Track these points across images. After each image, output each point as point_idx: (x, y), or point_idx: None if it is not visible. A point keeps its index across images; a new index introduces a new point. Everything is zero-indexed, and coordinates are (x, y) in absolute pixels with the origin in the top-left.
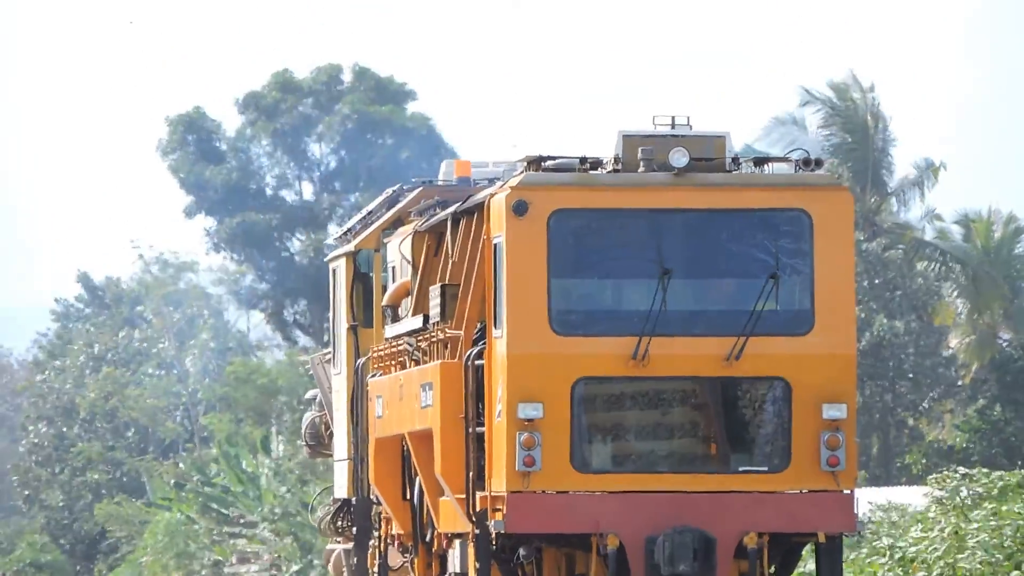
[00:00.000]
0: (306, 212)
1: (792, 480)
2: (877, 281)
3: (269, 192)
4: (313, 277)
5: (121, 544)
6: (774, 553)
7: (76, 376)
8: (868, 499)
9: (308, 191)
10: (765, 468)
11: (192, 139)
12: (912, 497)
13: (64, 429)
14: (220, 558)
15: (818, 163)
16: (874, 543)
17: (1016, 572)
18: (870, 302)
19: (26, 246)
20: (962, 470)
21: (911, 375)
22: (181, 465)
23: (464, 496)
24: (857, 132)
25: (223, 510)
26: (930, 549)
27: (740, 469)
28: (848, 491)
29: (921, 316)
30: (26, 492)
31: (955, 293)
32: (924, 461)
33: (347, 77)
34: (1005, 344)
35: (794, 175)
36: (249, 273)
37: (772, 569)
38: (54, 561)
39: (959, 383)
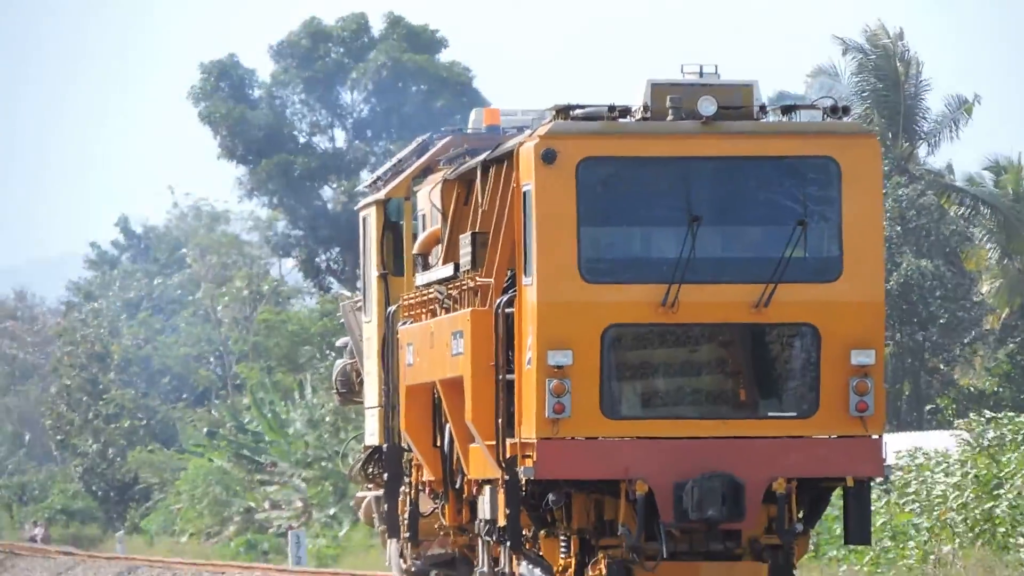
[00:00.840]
0: (338, 159)
1: (820, 426)
2: (911, 226)
3: (302, 139)
4: (345, 224)
5: (154, 491)
6: (802, 498)
7: (111, 321)
8: (899, 444)
9: (341, 138)
10: (794, 414)
11: (225, 86)
12: (943, 441)
13: (98, 375)
14: (252, 504)
15: (846, 110)
16: (904, 488)
17: None
18: (902, 246)
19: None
20: (988, 414)
21: (942, 320)
22: (214, 413)
23: (494, 443)
24: (889, 79)
25: (255, 457)
26: (955, 495)
27: (769, 415)
28: (876, 436)
29: (952, 262)
30: (59, 438)
31: (985, 238)
32: (955, 406)
33: (377, 25)
34: None
35: (822, 123)
36: (281, 219)
37: (801, 514)
38: (86, 508)
39: (989, 328)
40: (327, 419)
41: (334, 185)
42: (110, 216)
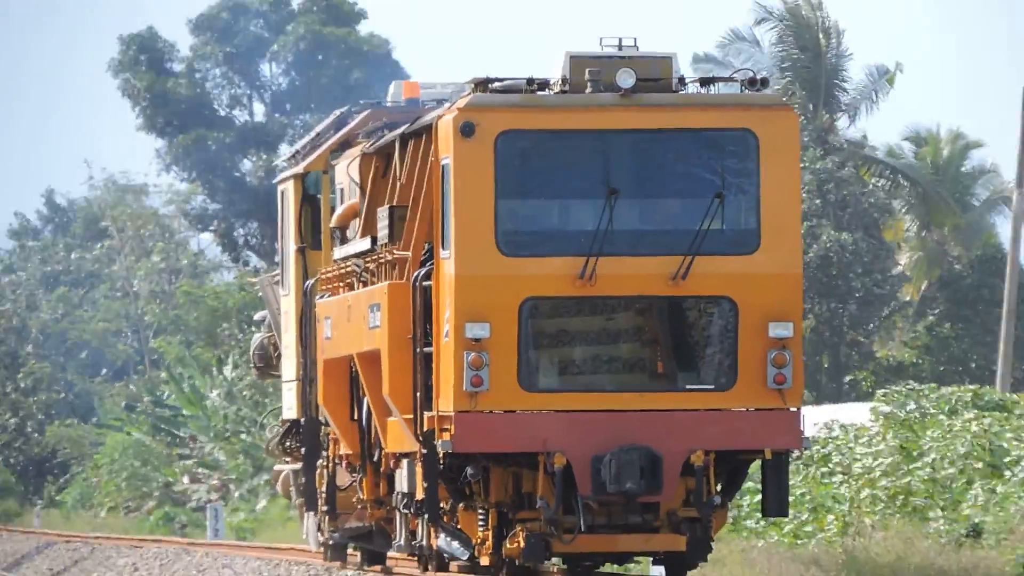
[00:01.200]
0: (258, 132)
1: (738, 398)
2: (830, 198)
3: (221, 112)
4: (264, 198)
5: (72, 465)
6: (721, 470)
7: (29, 295)
8: (818, 417)
9: (260, 112)
10: (712, 386)
11: (145, 59)
12: (861, 414)
13: (16, 348)
14: (170, 479)
15: (764, 83)
16: (824, 461)
17: (968, 485)
18: (821, 219)
19: None
20: (911, 386)
21: (859, 293)
22: (132, 387)
23: (412, 416)
24: (809, 49)
25: (174, 431)
26: (876, 464)
27: (687, 387)
28: (794, 409)
29: (872, 234)
30: None
31: (905, 210)
32: (873, 378)
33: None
34: (954, 261)
35: (740, 95)
36: (200, 194)
37: (719, 486)
38: (4, 482)
39: (907, 300)
40: (245, 393)
41: (253, 158)
42: (36, 188)
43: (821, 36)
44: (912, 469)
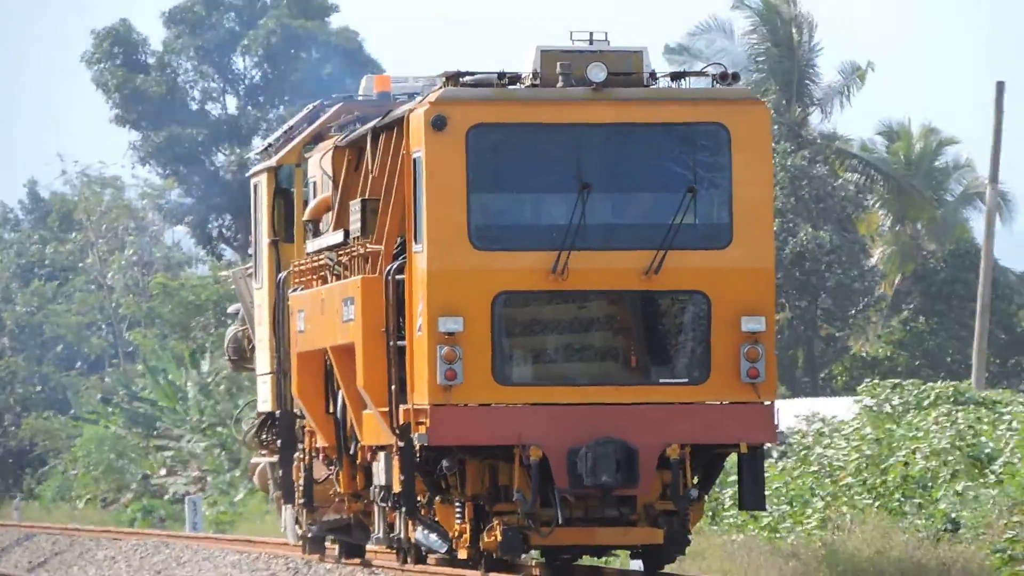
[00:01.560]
0: (231, 126)
1: (712, 392)
2: (803, 194)
3: (194, 106)
4: (238, 191)
5: (49, 458)
6: (696, 464)
7: (3, 289)
8: (795, 411)
9: (233, 105)
10: (685, 380)
11: (119, 52)
12: (838, 408)
13: None
14: (148, 471)
15: (735, 77)
16: (802, 453)
17: (952, 479)
18: (796, 216)
19: None
20: (893, 381)
21: (830, 284)
22: (108, 380)
23: (387, 409)
24: (783, 44)
25: (150, 424)
26: (857, 459)
27: (660, 381)
28: (768, 402)
29: (845, 228)
30: None
31: (878, 205)
32: (849, 373)
33: None
34: (928, 256)
35: (711, 89)
36: (174, 187)
37: (695, 480)
38: None
39: (881, 293)
40: (221, 386)
41: (227, 152)
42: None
43: (794, 29)
44: (889, 467)
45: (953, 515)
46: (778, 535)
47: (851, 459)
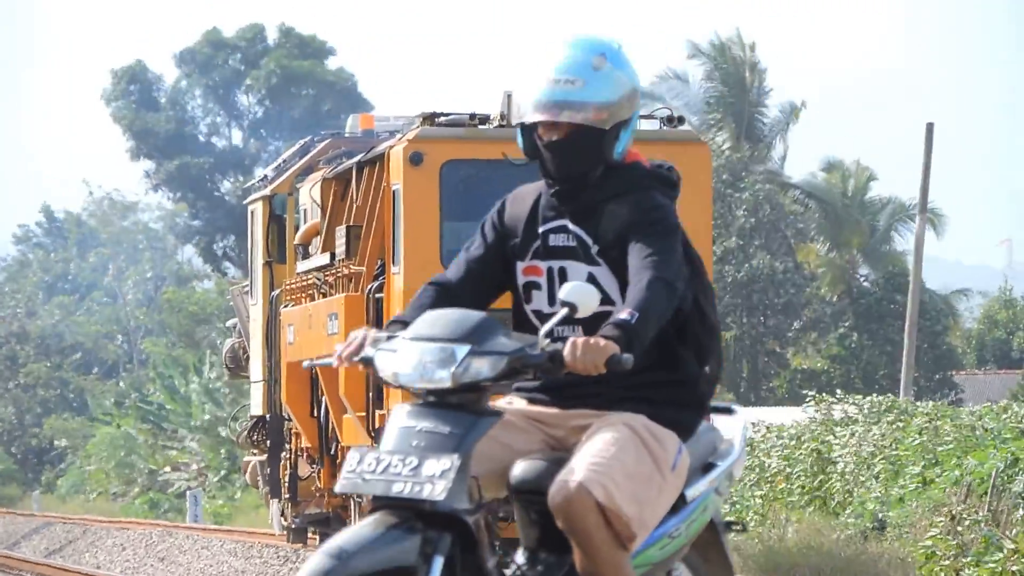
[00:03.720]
0: (236, 156)
1: None
2: (764, 218)
3: (202, 138)
4: (241, 215)
5: (67, 454)
6: None
7: (27, 303)
8: (749, 418)
9: (237, 137)
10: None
11: (134, 89)
12: (782, 416)
13: (18, 349)
14: (155, 467)
15: (680, 120)
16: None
17: (876, 485)
18: (752, 239)
19: None
20: (839, 392)
21: (779, 306)
22: (121, 384)
23: (364, 414)
24: (736, 86)
25: (159, 424)
26: (796, 466)
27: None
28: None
29: (788, 256)
30: None
31: (816, 231)
32: (787, 385)
33: (272, 35)
34: (863, 280)
35: (659, 131)
36: (185, 211)
37: None
38: (5, 469)
39: (820, 313)
40: (223, 391)
41: (232, 180)
42: (34, 203)
43: (748, 73)
44: (828, 471)
45: (880, 515)
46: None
47: (795, 466)
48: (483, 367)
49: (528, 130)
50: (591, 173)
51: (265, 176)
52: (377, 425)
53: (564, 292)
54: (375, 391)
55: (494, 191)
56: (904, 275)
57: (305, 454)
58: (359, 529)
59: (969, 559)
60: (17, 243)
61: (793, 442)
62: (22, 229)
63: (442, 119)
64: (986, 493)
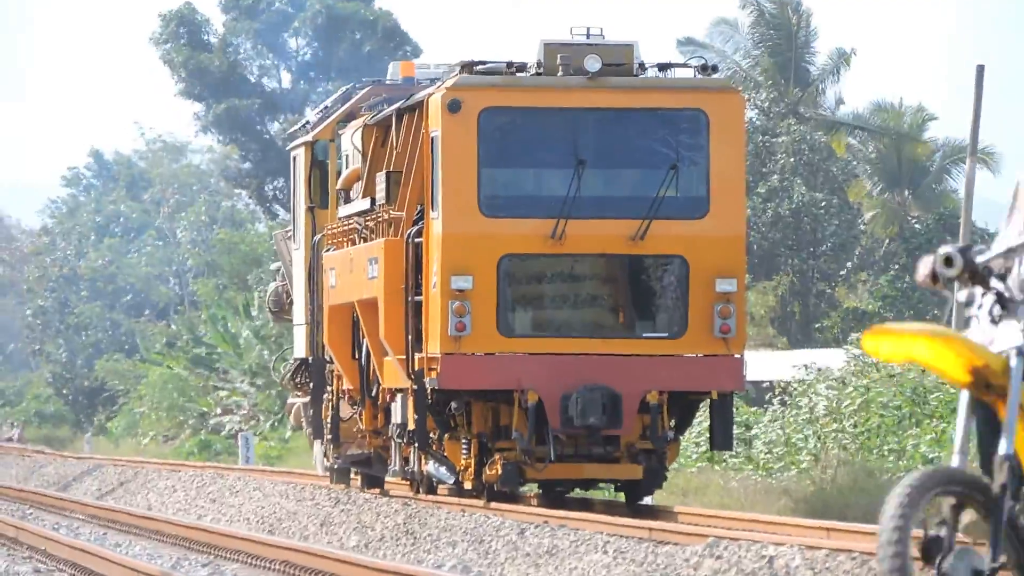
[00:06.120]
0: (284, 98)
1: (689, 345)
2: (803, 159)
3: (252, 80)
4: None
5: (118, 396)
6: (673, 409)
7: (78, 244)
8: (797, 360)
9: (287, 80)
10: (666, 334)
11: (183, 32)
12: (831, 359)
13: (68, 296)
14: (206, 409)
15: (714, 68)
16: (797, 401)
17: (931, 425)
18: (795, 178)
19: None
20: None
21: (825, 246)
22: (173, 326)
23: (404, 357)
24: (782, 29)
25: (210, 366)
26: (845, 406)
27: (644, 335)
28: (738, 355)
29: (837, 195)
30: (35, 347)
31: (869, 172)
32: (840, 325)
33: None
34: (914, 220)
35: (693, 79)
36: (235, 154)
37: (672, 422)
38: (58, 411)
39: (874, 253)
40: (273, 333)
41: (281, 122)
42: (83, 146)
43: (792, 16)
44: (873, 411)
45: (931, 456)
46: (774, 475)
47: (845, 403)
48: None
49: None
50: None
51: (307, 122)
52: (416, 367)
53: None
54: (415, 334)
55: (531, 138)
56: (956, 216)
57: (347, 396)
58: None
59: None
60: (67, 185)
61: (840, 384)
62: (72, 171)
63: (480, 67)
64: None
